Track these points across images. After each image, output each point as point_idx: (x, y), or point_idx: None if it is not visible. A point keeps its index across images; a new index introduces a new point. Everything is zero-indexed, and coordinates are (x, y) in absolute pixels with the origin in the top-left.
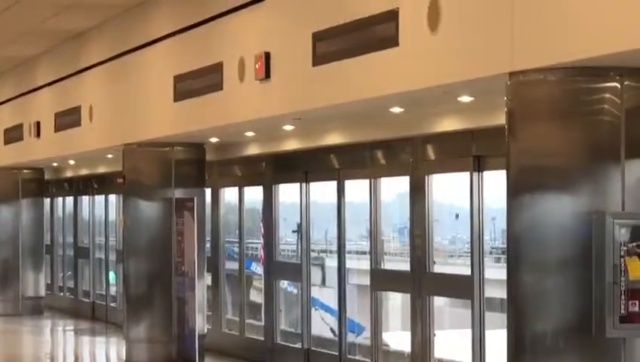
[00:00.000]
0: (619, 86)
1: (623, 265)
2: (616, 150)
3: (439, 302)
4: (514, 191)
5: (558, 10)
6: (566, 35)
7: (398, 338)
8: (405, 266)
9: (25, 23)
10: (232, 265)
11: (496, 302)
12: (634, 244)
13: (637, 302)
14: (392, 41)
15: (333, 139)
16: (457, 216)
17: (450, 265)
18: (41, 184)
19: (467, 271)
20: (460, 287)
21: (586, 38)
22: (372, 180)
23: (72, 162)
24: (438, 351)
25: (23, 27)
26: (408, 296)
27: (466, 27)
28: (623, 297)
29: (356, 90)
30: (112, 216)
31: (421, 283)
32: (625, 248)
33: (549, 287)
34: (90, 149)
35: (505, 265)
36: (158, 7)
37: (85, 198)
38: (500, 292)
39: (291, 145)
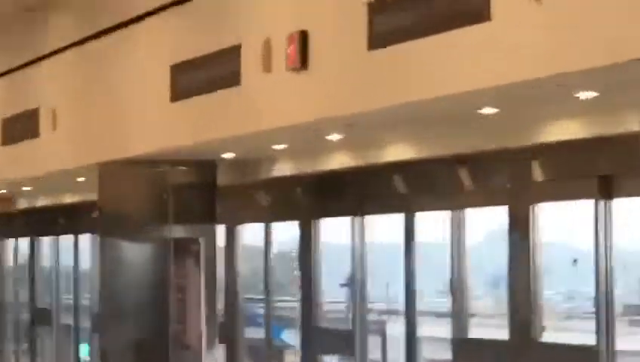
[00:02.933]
0: None
1: None
2: None
3: None
4: None
5: None
6: None
7: None
8: (502, 334)
9: None
10: (255, 333)
11: None
12: None
13: None
14: (483, 15)
15: (399, 153)
16: (576, 261)
17: (567, 331)
18: None
19: (591, 340)
20: None
21: None
22: (454, 213)
23: (27, 188)
24: None
25: None
26: None
27: None
28: None
29: (431, 83)
30: (85, 264)
31: (525, 357)
32: None
33: None
34: (54, 170)
35: None
36: None
37: (46, 240)
38: None
39: (339, 162)
